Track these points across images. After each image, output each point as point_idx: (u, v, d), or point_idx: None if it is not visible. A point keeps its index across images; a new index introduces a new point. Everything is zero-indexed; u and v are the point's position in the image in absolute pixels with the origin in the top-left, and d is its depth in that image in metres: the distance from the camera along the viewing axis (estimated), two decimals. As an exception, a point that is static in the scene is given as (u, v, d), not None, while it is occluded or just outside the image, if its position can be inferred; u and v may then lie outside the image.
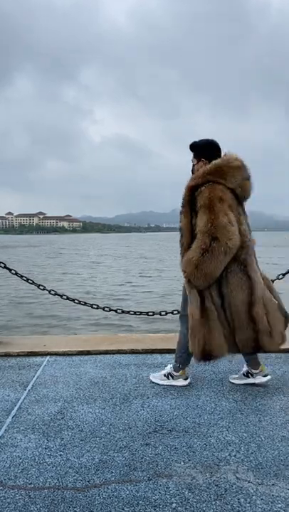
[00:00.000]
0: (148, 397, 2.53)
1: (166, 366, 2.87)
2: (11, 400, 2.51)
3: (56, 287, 4.13)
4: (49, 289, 4.02)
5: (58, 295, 3.98)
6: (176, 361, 2.73)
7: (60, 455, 1.91)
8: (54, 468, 1.81)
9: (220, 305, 2.45)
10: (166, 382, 2.74)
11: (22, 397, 2.55)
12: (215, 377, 2.85)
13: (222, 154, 2.54)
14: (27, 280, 3.95)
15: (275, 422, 2.21)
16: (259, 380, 2.72)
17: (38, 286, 3.98)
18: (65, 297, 3.95)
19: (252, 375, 2.74)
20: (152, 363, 3.13)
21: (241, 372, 2.80)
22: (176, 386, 2.70)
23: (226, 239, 2.31)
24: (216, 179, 2.38)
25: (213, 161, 2.45)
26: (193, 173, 2.57)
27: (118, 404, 2.44)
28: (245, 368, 2.78)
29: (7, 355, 3.36)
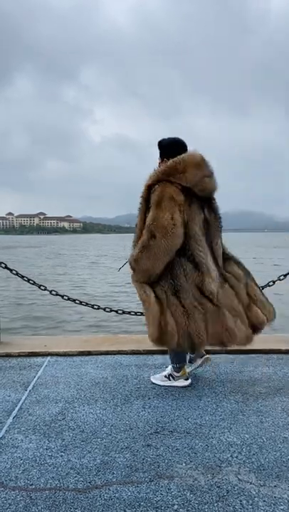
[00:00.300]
0: (149, 398, 2.53)
1: (166, 367, 2.87)
2: (12, 401, 2.51)
3: (57, 288, 4.12)
4: (50, 289, 4.01)
5: (59, 295, 3.97)
6: (172, 361, 2.73)
7: (61, 456, 1.90)
8: (55, 469, 1.80)
9: (173, 296, 2.45)
10: (167, 383, 2.73)
11: (23, 398, 2.54)
12: (216, 378, 2.85)
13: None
14: (28, 280, 3.94)
15: (276, 423, 2.21)
16: (192, 367, 2.85)
17: (39, 286, 3.97)
18: (66, 297, 3.95)
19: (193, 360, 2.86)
20: (153, 364, 3.12)
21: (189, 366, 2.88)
22: (177, 387, 2.69)
23: (163, 238, 2.34)
24: (170, 178, 2.40)
25: (170, 160, 2.47)
26: None
27: (119, 405, 2.43)
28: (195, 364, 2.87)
29: (8, 355, 3.35)
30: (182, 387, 2.69)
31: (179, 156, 2.46)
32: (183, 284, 2.43)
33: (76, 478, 1.73)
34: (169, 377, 2.74)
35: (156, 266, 2.40)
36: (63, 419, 2.27)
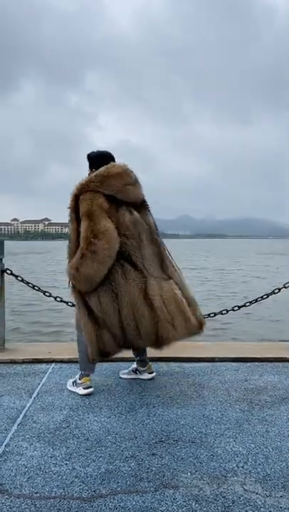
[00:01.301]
0: (154, 406, 2.52)
1: (171, 374, 2.87)
2: (17, 408, 2.51)
3: (61, 294, 4.13)
4: (55, 295, 4.02)
5: (64, 302, 3.98)
6: (80, 368, 2.79)
7: (66, 464, 1.90)
8: (60, 477, 1.80)
9: (112, 304, 2.53)
10: (71, 388, 2.79)
11: (27, 405, 2.54)
12: (221, 387, 2.83)
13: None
14: (33, 287, 3.95)
15: (282, 432, 2.19)
16: (145, 376, 2.97)
17: (44, 293, 3.99)
18: (71, 304, 3.95)
19: (139, 372, 2.99)
20: (157, 371, 3.11)
21: (130, 368, 3.05)
22: (78, 394, 2.72)
23: (103, 244, 2.46)
24: (95, 188, 2.54)
25: (95, 171, 2.64)
26: None
27: (124, 413, 2.43)
28: (134, 365, 3.03)
29: (12, 362, 3.35)
30: (81, 395, 2.69)
31: (102, 167, 2.63)
32: (122, 287, 2.52)
33: (81, 487, 1.72)
34: (74, 382, 2.80)
35: (99, 271, 2.48)
36: (68, 426, 2.27)
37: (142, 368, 3.00)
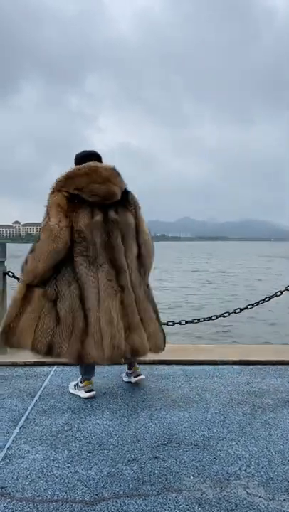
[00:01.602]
0: (156, 409, 2.51)
1: (174, 377, 2.86)
2: (19, 410, 2.50)
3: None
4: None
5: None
6: (80, 371, 2.78)
7: (68, 467, 1.89)
8: (62, 480, 1.79)
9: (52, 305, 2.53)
10: (73, 390, 2.78)
11: (29, 408, 2.54)
12: (223, 390, 2.82)
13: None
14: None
15: (285, 436, 2.18)
16: (131, 379, 2.91)
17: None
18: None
19: (127, 375, 2.96)
20: (160, 374, 3.11)
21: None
22: (80, 397, 2.71)
23: (46, 240, 2.47)
24: (60, 187, 2.54)
25: (65, 171, 2.62)
26: None
27: (126, 416, 2.42)
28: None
29: (14, 364, 3.35)
30: (83, 398, 2.68)
31: (73, 167, 2.64)
32: (65, 292, 2.51)
33: (83, 490, 1.72)
34: (76, 385, 2.78)
35: (38, 268, 2.49)
36: (70, 429, 2.26)
37: (128, 371, 2.95)
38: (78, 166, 2.62)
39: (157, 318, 2.80)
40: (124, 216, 2.63)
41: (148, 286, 2.80)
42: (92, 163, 2.62)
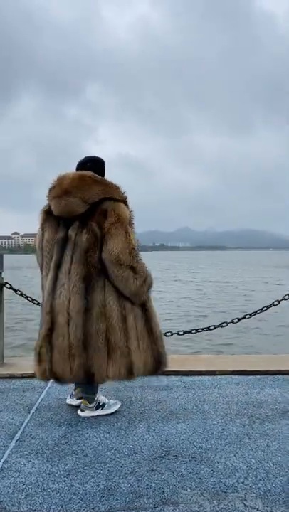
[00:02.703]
0: (153, 421, 2.49)
1: (172, 388, 2.84)
2: (15, 424, 2.48)
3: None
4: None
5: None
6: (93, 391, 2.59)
7: (64, 481, 1.87)
8: (58, 494, 1.77)
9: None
10: (99, 412, 2.59)
11: (26, 421, 2.52)
12: (222, 400, 2.81)
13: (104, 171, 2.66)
14: (32, 301, 3.95)
15: (283, 447, 2.16)
16: (74, 401, 2.75)
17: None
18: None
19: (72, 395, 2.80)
20: (158, 386, 3.09)
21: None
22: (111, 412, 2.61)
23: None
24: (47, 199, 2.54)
25: None
26: None
27: (123, 428, 2.40)
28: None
29: (11, 376, 3.33)
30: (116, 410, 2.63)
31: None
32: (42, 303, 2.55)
33: (79, 504, 1.70)
34: (101, 405, 2.61)
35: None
36: (66, 442, 2.24)
37: (73, 392, 2.78)
38: (55, 180, 2.51)
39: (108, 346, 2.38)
40: (79, 234, 2.34)
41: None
42: (63, 174, 2.47)
